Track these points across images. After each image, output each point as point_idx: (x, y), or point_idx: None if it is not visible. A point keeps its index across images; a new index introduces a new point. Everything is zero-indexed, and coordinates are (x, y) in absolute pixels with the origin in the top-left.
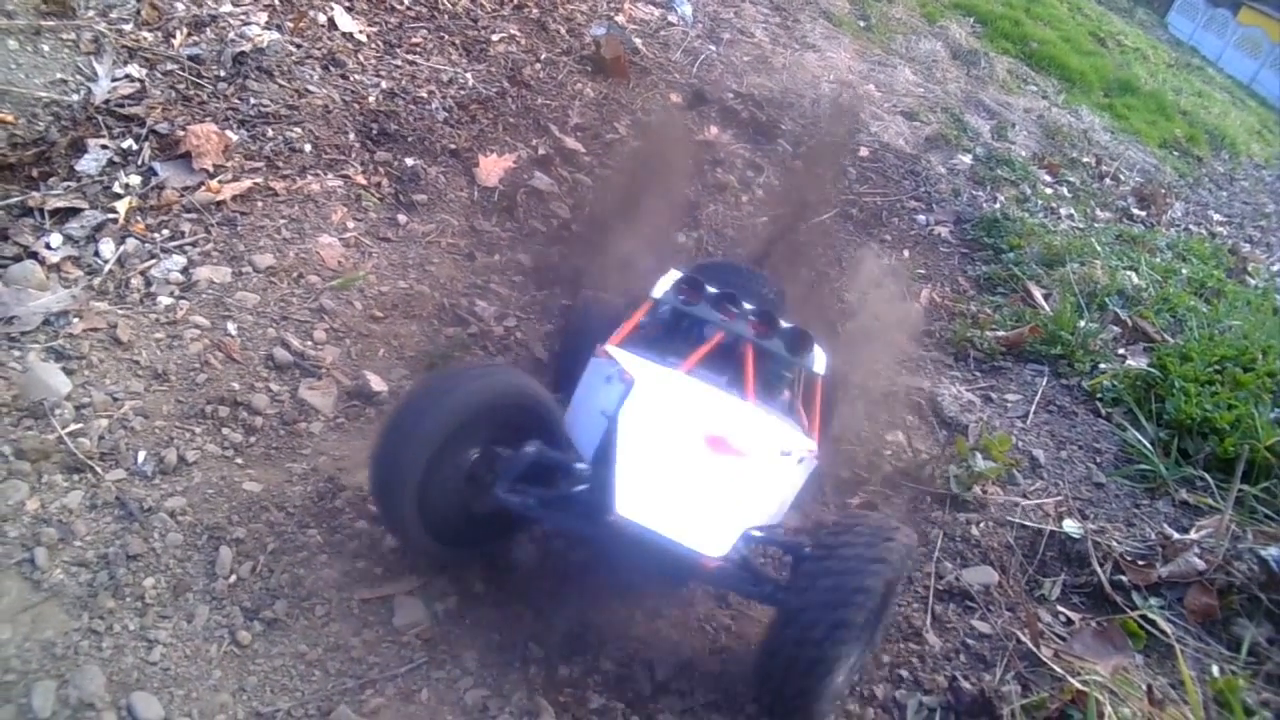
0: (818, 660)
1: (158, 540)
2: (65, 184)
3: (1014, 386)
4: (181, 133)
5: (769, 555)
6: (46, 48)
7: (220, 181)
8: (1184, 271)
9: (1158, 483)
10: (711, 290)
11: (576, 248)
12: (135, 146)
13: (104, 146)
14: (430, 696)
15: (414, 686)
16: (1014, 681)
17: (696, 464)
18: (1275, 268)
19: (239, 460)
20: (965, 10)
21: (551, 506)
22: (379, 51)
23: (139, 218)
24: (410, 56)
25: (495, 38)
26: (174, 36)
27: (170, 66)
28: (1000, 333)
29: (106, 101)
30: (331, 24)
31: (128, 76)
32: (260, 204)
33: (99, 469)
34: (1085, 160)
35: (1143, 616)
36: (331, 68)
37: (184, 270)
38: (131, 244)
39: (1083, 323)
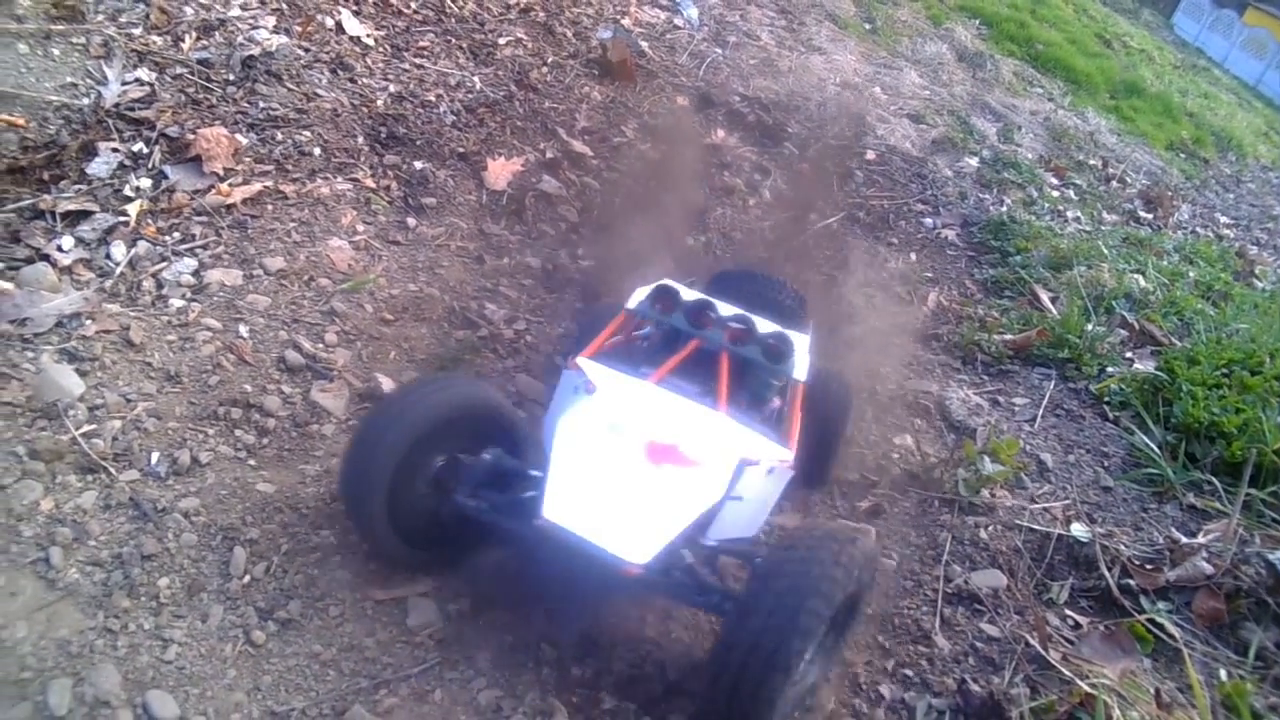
0: (766, 672)
1: (172, 540)
2: (76, 187)
3: (1021, 390)
4: (191, 136)
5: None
6: (56, 51)
7: (230, 185)
8: (1191, 274)
9: (1165, 487)
10: (686, 299)
11: (585, 251)
12: (145, 150)
13: (114, 150)
14: (444, 697)
15: (428, 687)
16: (1023, 684)
17: (629, 472)
18: None
19: (252, 462)
20: (971, 12)
21: (503, 511)
22: (387, 55)
23: (150, 220)
24: (418, 60)
25: (502, 41)
26: (183, 40)
27: (180, 70)
28: (1008, 336)
29: (116, 105)
30: (339, 28)
31: (138, 80)
32: (270, 207)
33: (112, 470)
34: (1092, 163)
35: (1150, 620)
36: (340, 71)
37: (195, 273)
38: (143, 246)
39: (1090, 326)
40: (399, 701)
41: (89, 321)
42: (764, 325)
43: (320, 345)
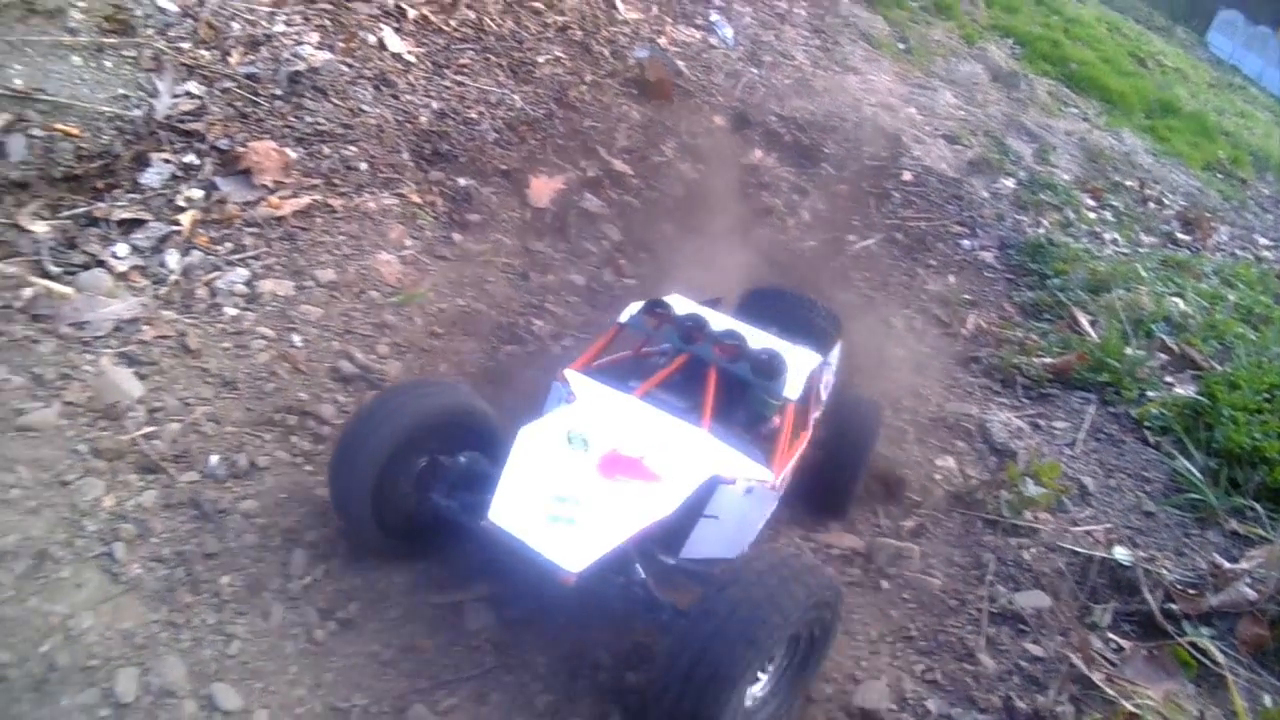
0: (702, 697)
1: (233, 540)
2: (130, 196)
3: (1062, 414)
4: (242, 149)
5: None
6: (109, 64)
7: (280, 197)
8: (1231, 297)
9: (1207, 512)
10: (679, 314)
11: (629, 270)
12: (197, 161)
13: (166, 160)
14: (502, 699)
15: (486, 689)
16: (1068, 703)
17: (577, 482)
18: None
19: (308, 467)
20: (1004, 32)
21: (472, 512)
22: (428, 72)
23: (202, 230)
24: (458, 77)
25: (540, 59)
26: (230, 55)
27: (228, 84)
28: (1047, 359)
29: (168, 117)
30: (381, 45)
31: (188, 93)
32: (319, 220)
33: (172, 470)
34: (1128, 184)
35: (1193, 645)
36: (383, 88)
37: (248, 283)
38: (196, 255)
39: (1129, 350)
40: (458, 702)
41: (146, 327)
42: (758, 342)
43: (373, 356)
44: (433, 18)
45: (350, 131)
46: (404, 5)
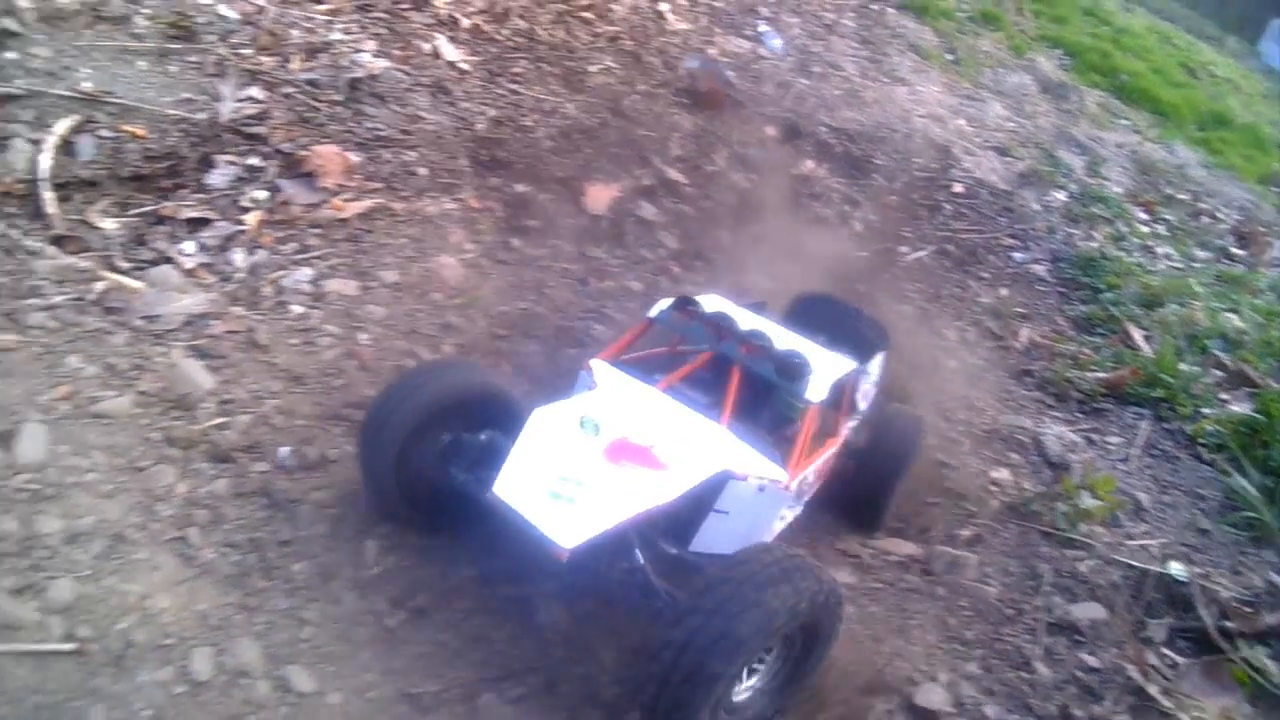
0: (686, 687)
1: (305, 529)
2: (196, 196)
3: (1115, 429)
4: (305, 152)
5: None
6: (174, 69)
7: (343, 200)
8: None
9: (1263, 531)
10: (706, 311)
11: (684, 278)
12: (261, 163)
13: (231, 162)
14: (570, 691)
15: (554, 680)
16: (1124, 713)
17: (581, 463)
18: None
19: None
20: (1052, 42)
21: (486, 486)
22: (483, 80)
23: (267, 230)
24: (513, 86)
25: (592, 69)
26: (291, 61)
27: (289, 90)
28: (1100, 374)
29: (232, 120)
30: (436, 53)
31: (250, 98)
32: (381, 223)
33: (243, 460)
34: (1181, 197)
35: (1248, 662)
36: (440, 95)
37: (313, 282)
38: (261, 255)
39: (1184, 366)
40: (526, 692)
41: (216, 322)
42: (784, 343)
43: (438, 356)
44: (485, 27)
45: (409, 137)
46: (457, 14)
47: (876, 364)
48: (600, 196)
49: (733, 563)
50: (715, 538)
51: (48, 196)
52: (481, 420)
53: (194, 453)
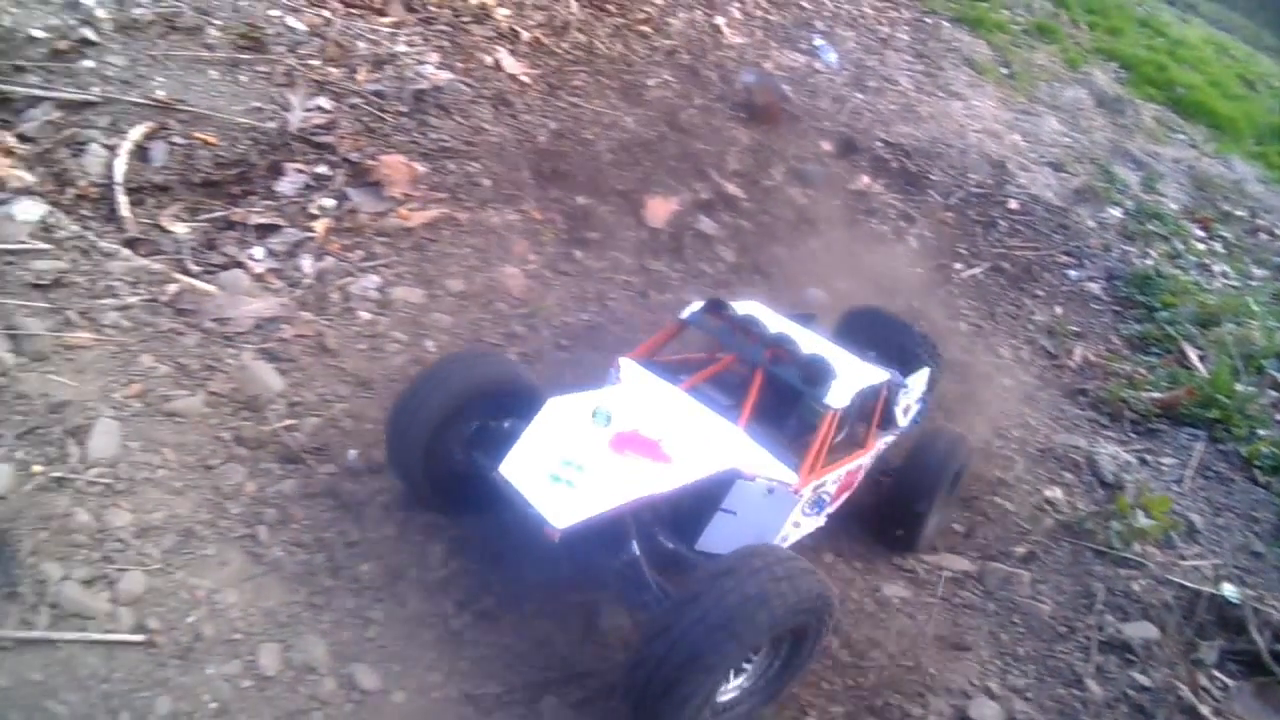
0: (674, 681)
1: (372, 531)
2: (265, 202)
3: (1169, 450)
4: (372, 162)
5: None
6: (244, 78)
7: (409, 209)
8: None
9: None
10: (734, 315)
11: (744, 292)
12: (329, 172)
13: (300, 170)
14: None
15: (616, 684)
16: None
17: (585, 451)
18: None
19: None
20: (1108, 55)
21: None
22: (543, 93)
23: (334, 238)
24: (572, 99)
25: (650, 82)
26: (358, 73)
27: (356, 100)
28: (1155, 394)
29: (301, 130)
30: (497, 66)
31: (319, 108)
32: (446, 232)
33: (312, 462)
34: (1238, 214)
35: None
36: (501, 107)
37: (380, 289)
38: (329, 261)
39: (1240, 386)
40: (588, 696)
41: (286, 326)
42: (812, 349)
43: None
44: (545, 40)
45: (473, 148)
46: (517, 28)
47: (920, 379)
48: (659, 210)
49: (726, 564)
50: (722, 537)
51: (122, 200)
52: (507, 409)
53: (263, 453)
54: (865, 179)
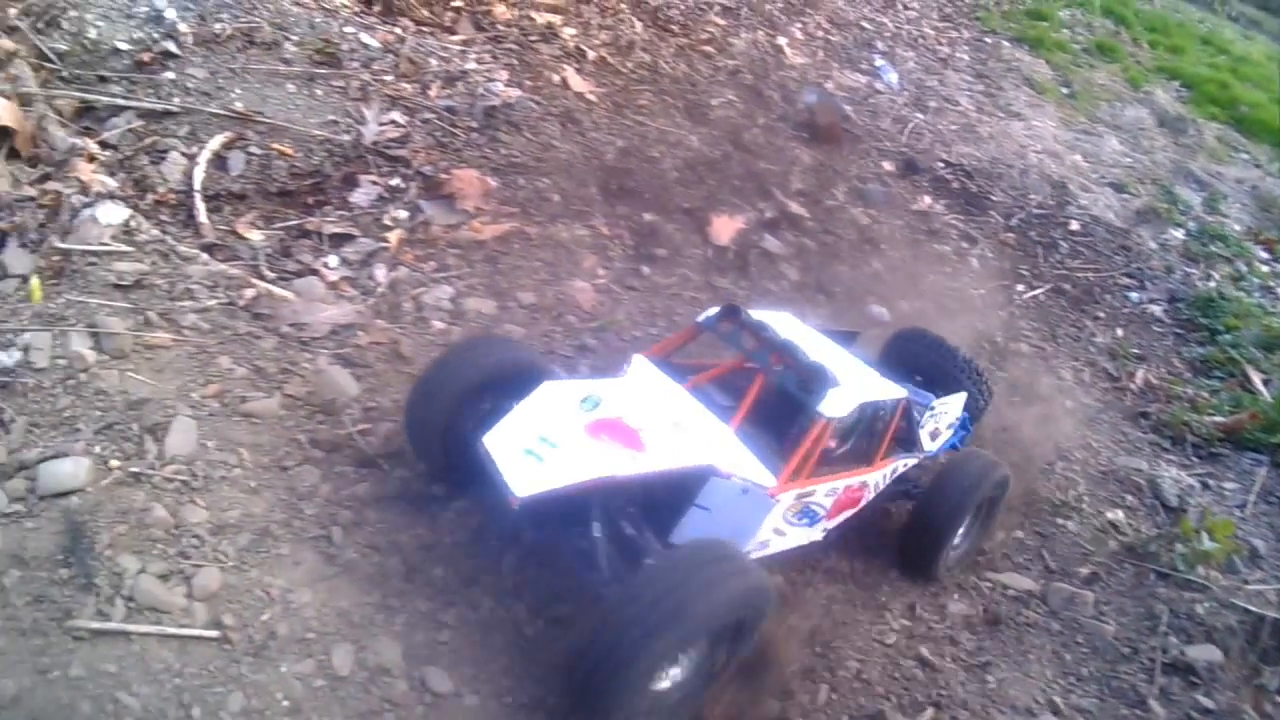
0: (613, 670)
1: (446, 536)
2: (339, 213)
3: (1232, 474)
4: (445, 175)
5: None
6: (320, 92)
7: (481, 222)
8: None
9: None
10: (747, 320)
11: (809, 311)
12: (402, 184)
13: (374, 182)
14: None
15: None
16: None
17: (561, 430)
18: None
19: None
20: (1170, 73)
21: None
22: (609, 111)
23: (408, 248)
24: (638, 117)
25: (714, 102)
26: (430, 89)
27: (428, 115)
28: (1218, 418)
29: (375, 143)
30: (565, 84)
31: (393, 122)
32: (517, 246)
33: (386, 466)
34: None
35: None
36: (569, 125)
37: (453, 299)
38: (402, 271)
39: None
40: None
41: (361, 333)
42: (816, 357)
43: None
44: (610, 59)
45: (542, 164)
46: (584, 47)
47: (955, 403)
48: (725, 228)
49: (674, 556)
50: (697, 533)
51: (200, 207)
52: (520, 392)
53: (337, 456)
54: (927, 199)
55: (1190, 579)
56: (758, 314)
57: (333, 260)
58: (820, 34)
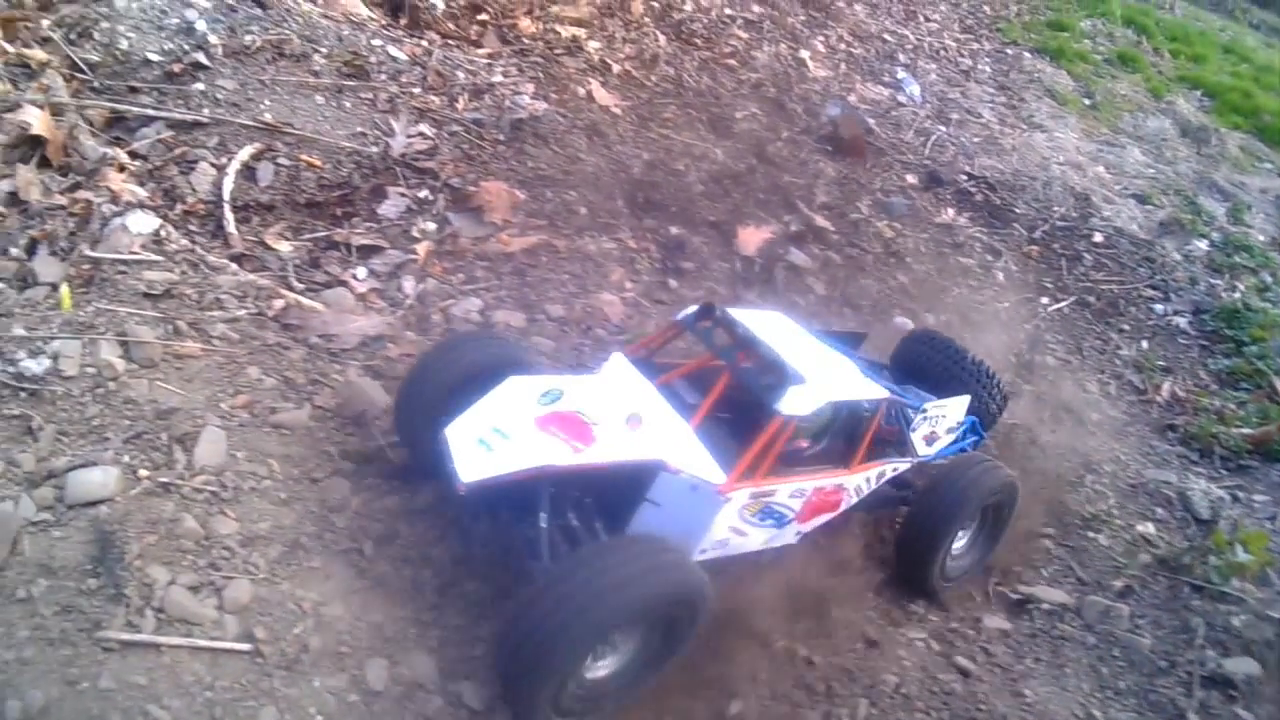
0: (540, 656)
1: (478, 549)
2: (367, 224)
3: (1261, 487)
4: (473, 188)
5: None
6: (348, 104)
7: (509, 235)
8: None
9: None
10: (721, 317)
11: (836, 325)
12: (430, 197)
13: (402, 194)
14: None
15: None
16: None
17: (513, 423)
18: None
19: None
20: (1192, 83)
21: None
22: (634, 124)
23: (436, 260)
24: (663, 131)
25: (738, 115)
26: (457, 101)
27: (456, 128)
28: (1246, 430)
29: (403, 155)
30: (590, 97)
31: (420, 134)
32: (545, 259)
33: (416, 479)
34: None
35: None
36: (595, 137)
37: (481, 311)
38: (430, 283)
39: None
40: None
41: (391, 345)
42: (786, 354)
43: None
44: (635, 73)
45: (569, 177)
46: (608, 60)
47: (957, 406)
48: (751, 238)
49: (603, 546)
50: (649, 529)
51: (229, 217)
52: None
53: (368, 468)
54: (950, 212)
55: (1225, 591)
56: (741, 312)
57: (361, 272)
58: (842, 47)
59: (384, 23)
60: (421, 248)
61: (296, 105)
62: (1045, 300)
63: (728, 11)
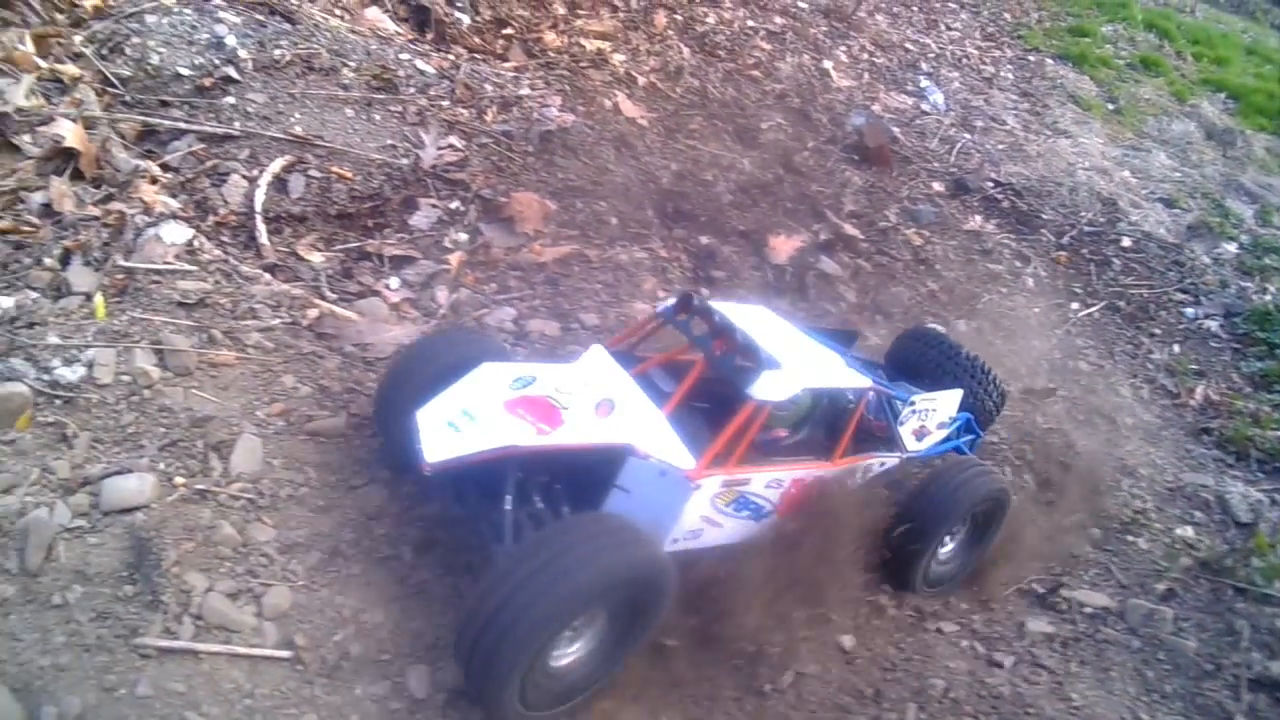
0: (500, 641)
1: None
2: (399, 235)
3: None
4: (504, 199)
5: None
6: (377, 117)
7: (541, 245)
8: None
9: None
10: (699, 308)
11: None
12: (461, 207)
13: (434, 205)
14: None
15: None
16: None
17: (481, 406)
18: None
19: None
20: (1215, 86)
21: None
22: (661, 136)
23: (469, 271)
24: (690, 142)
25: (764, 126)
26: (486, 114)
27: (485, 140)
28: None
29: (433, 166)
30: (616, 109)
31: (451, 146)
32: (577, 269)
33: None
34: None
35: None
36: (623, 149)
37: (515, 321)
38: (463, 293)
39: None
40: None
41: None
42: (763, 342)
43: None
44: (660, 85)
45: (599, 188)
46: (634, 73)
47: (948, 400)
48: (783, 247)
49: (559, 528)
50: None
51: (261, 228)
52: None
53: (406, 476)
54: (978, 219)
55: (1269, 594)
56: (723, 305)
57: (394, 282)
58: (865, 57)
59: (410, 37)
60: (454, 258)
61: (326, 118)
62: (1075, 305)
63: (750, 23)
